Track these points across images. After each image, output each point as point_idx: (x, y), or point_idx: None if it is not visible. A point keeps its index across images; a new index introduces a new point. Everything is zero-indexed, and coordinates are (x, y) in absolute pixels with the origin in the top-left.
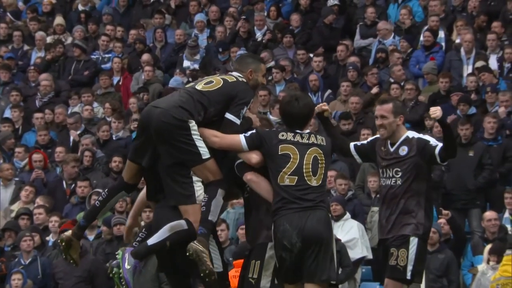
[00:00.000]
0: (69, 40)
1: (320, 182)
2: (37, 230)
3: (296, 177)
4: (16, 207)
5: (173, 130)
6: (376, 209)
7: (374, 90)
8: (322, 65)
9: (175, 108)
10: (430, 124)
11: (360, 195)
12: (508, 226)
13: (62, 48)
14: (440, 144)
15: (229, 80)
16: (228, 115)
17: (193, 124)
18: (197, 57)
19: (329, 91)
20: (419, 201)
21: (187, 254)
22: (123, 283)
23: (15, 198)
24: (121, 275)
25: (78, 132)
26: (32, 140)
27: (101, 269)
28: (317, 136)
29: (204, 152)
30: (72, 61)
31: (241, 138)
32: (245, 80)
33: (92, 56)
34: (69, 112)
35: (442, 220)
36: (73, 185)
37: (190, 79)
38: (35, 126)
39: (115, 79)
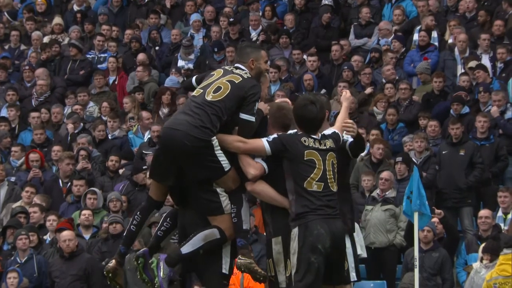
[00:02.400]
0: (66, 40)
1: (337, 187)
2: (34, 229)
3: (323, 184)
4: (18, 205)
5: (198, 151)
6: (370, 207)
7: (368, 90)
8: (317, 65)
9: (196, 129)
10: (424, 123)
11: (354, 194)
12: (502, 225)
13: (58, 48)
14: (350, 139)
15: (236, 81)
16: (243, 116)
17: (215, 141)
18: (192, 56)
19: (323, 90)
20: (341, 195)
21: (239, 270)
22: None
23: (8, 198)
24: (154, 267)
25: (76, 131)
26: (28, 139)
27: (96, 268)
28: (328, 139)
29: (226, 165)
30: (68, 60)
31: (265, 143)
32: (250, 75)
33: (88, 56)
34: (65, 111)
35: (435, 219)
36: (69, 183)
37: (185, 78)
38: (31, 125)
39: (111, 79)
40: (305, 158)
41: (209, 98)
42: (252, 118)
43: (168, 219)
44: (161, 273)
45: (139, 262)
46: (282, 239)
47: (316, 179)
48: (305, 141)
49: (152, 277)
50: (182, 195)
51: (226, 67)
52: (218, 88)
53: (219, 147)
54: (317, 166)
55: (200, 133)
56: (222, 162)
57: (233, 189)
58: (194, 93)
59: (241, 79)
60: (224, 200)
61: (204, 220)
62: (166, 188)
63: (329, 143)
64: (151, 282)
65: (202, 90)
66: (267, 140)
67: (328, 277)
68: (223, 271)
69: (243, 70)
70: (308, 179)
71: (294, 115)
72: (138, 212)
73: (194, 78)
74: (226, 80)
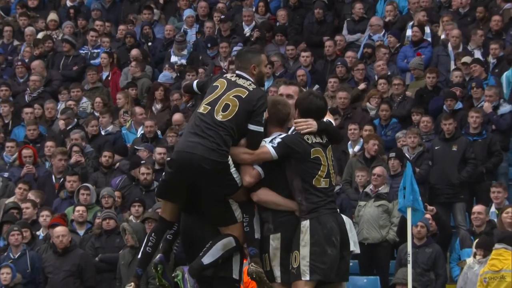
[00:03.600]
0: (61, 36)
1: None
2: (27, 225)
3: (328, 180)
4: (10, 201)
5: (217, 174)
6: (363, 203)
7: (362, 86)
8: (310, 61)
9: (214, 152)
10: (417, 119)
11: (348, 189)
12: (495, 220)
13: (51, 44)
14: None
15: (243, 96)
16: (252, 127)
17: (231, 161)
18: (185, 52)
19: (316, 86)
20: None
21: (250, 277)
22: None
23: (2, 194)
24: (180, 281)
25: (70, 126)
26: (22, 134)
27: (89, 263)
28: (324, 133)
29: (239, 180)
30: (61, 56)
31: (270, 150)
32: (254, 85)
33: (81, 51)
34: (58, 107)
35: (427, 216)
36: (62, 179)
37: (178, 74)
38: (24, 121)
39: (104, 74)
40: (311, 157)
41: (219, 118)
42: (261, 129)
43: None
44: (188, 285)
45: (158, 269)
46: (281, 236)
47: (323, 176)
48: (308, 138)
49: (171, 281)
50: (188, 209)
51: (229, 77)
52: (227, 106)
53: (233, 165)
54: (322, 163)
55: (218, 156)
56: (236, 179)
57: (244, 200)
58: (201, 109)
59: (247, 92)
60: (236, 209)
61: (209, 224)
62: (178, 207)
63: (325, 137)
64: (170, 286)
65: (209, 107)
66: (272, 146)
67: (344, 274)
68: (234, 276)
69: (246, 79)
70: (316, 176)
71: (299, 109)
72: (153, 234)
73: (195, 83)
74: (233, 96)
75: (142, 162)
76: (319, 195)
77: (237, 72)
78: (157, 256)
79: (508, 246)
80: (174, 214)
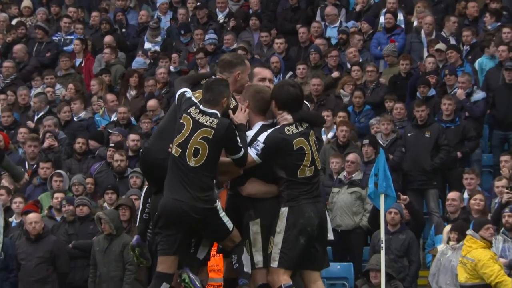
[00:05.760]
0: (34, 22)
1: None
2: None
3: (313, 167)
4: None
5: (207, 220)
6: (336, 190)
7: (335, 74)
8: (284, 47)
9: (200, 201)
10: (390, 106)
11: (322, 176)
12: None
13: (24, 30)
14: None
15: (210, 137)
16: (233, 157)
17: (219, 205)
18: (158, 39)
19: (290, 73)
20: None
21: None
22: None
23: None
24: (189, 283)
25: (42, 113)
26: None
27: (63, 250)
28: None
29: (230, 224)
30: (34, 42)
31: (254, 157)
32: (217, 119)
33: (54, 38)
34: (31, 93)
35: (402, 205)
36: (35, 165)
37: (152, 61)
38: None
39: (78, 61)
40: (295, 148)
41: (192, 164)
42: (241, 153)
43: (149, 199)
44: (196, 282)
45: (136, 252)
46: (260, 221)
47: (308, 165)
48: (288, 130)
49: (149, 257)
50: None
51: (193, 113)
52: (197, 151)
53: (222, 209)
54: (306, 151)
55: (205, 203)
56: (227, 223)
57: (236, 242)
58: (173, 150)
59: (213, 131)
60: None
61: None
62: (175, 259)
63: (305, 123)
64: (149, 261)
65: (180, 150)
66: (256, 153)
67: (318, 262)
68: (198, 256)
69: (209, 115)
70: (301, 167)
71: (276, 99)
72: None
73: (177, 94)
74: (200, 139)
75: (112, 145)
76: (302, 185)
77: (201, 107)
78: (134, 238)
79: (475, 233)
80: (174, 266)
